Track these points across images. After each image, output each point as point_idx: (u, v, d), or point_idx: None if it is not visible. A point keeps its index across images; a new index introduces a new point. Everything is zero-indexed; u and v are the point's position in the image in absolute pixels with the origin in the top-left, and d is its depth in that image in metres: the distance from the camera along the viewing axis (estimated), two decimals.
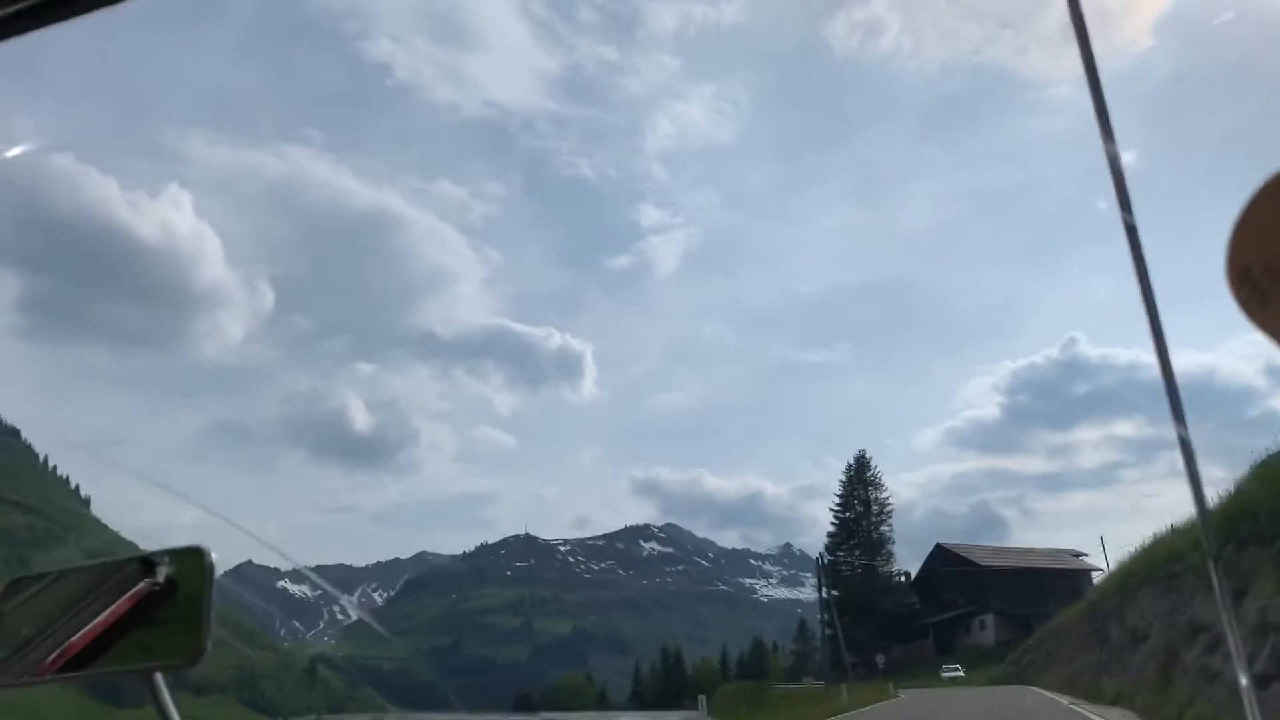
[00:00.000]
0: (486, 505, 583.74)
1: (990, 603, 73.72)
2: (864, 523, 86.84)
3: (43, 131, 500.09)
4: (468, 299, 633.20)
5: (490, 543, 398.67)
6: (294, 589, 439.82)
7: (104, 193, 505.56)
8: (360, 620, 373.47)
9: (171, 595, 1.87)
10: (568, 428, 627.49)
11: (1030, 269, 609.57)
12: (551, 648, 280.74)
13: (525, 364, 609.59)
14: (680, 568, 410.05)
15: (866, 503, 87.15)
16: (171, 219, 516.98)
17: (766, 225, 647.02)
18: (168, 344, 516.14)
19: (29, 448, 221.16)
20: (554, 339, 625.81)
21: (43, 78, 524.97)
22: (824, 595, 69.73)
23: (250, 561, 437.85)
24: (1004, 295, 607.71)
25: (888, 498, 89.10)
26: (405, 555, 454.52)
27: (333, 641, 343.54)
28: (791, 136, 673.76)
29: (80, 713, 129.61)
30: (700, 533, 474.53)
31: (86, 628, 1.88)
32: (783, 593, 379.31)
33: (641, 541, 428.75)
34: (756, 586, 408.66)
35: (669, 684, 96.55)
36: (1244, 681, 1.32)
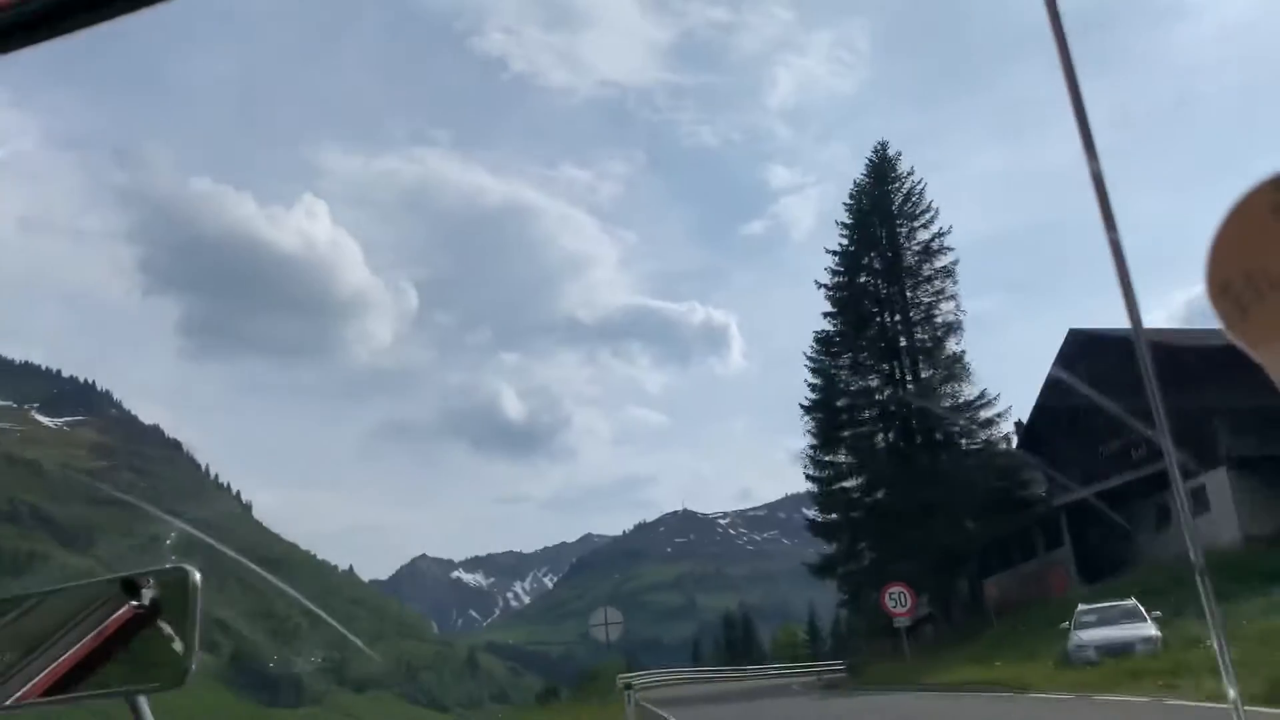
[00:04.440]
0: (645, 485, 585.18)
1: (1222, 446, 31.39)
2: (893, 307, 45.18)
3: (182, 159, 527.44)
4: (606, 281, 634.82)
5: (648, 521, 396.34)
6: (468, 578, 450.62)
7: (244, 210, 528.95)
8: (531, 606, 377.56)
9: (156, 617, 1.84)
10: (719, 401, 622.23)
11: (1198, 191, 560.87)
12: (717, 624, 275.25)
13: (671, 341, 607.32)
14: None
15: (895, 257, 45.05)
16: (311, 230, 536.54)
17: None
18: (323, 352, 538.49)
19: (191, 459, 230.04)
20: (697, 313, 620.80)
21: (175, 105, 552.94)
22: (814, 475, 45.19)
23: (424, 555, 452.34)
24: (1173, 223, 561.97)
25: (942, 241, 45.20)
26: (571, 539, 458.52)
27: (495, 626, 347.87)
28: (919, 80, 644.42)
29: (233, 713, 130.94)
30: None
31: (70, 652, 1.85)
32: None
33: (804, 509, 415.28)
34: None
35: None
36: (1232, 694, 1.33)
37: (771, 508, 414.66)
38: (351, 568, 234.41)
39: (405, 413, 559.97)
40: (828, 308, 45.86)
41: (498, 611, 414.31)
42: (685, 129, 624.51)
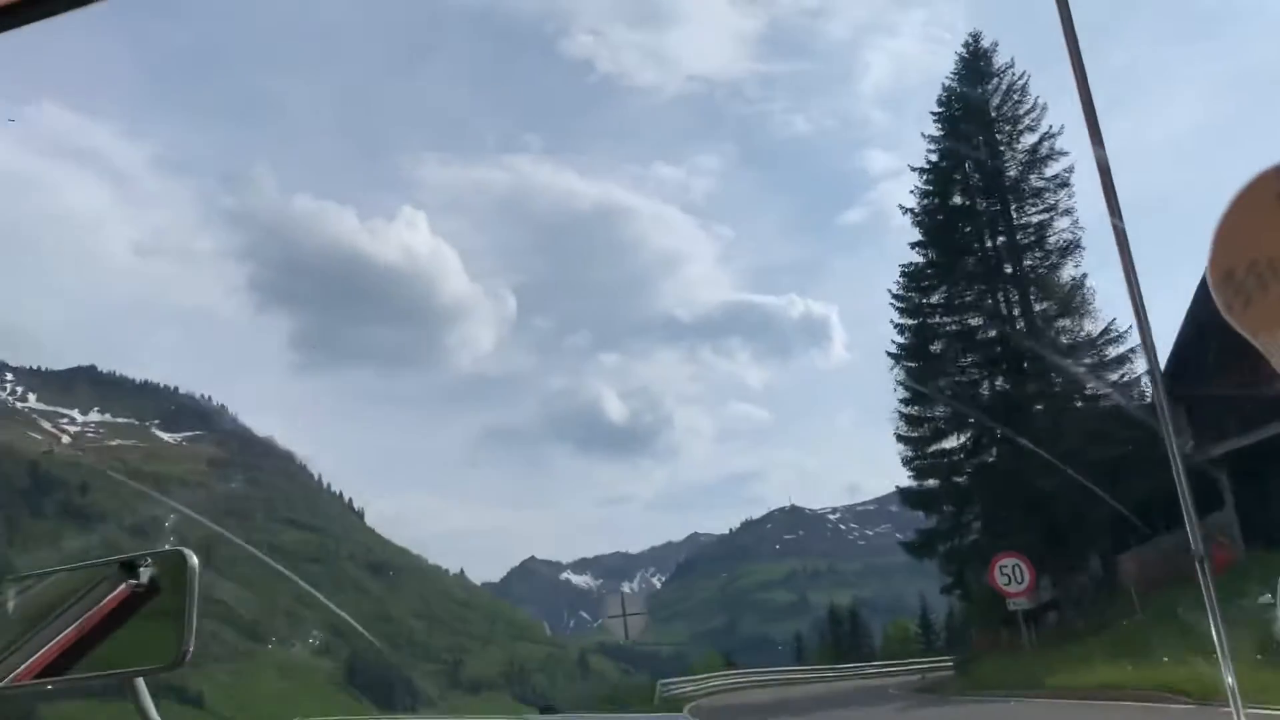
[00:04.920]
0: (750, 482, 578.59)
1: None
2: (995, 229, 38.42)
3: (285, 179, 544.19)
4: (703, 278, 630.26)
5: (755, 518, 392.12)
6: (577, 580, 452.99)
7: (345, 225, 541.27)
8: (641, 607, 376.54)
9: (154, 598, 1.83)
10: (823, 395, 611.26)
11: None
12: (830, 621, 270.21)
13: (771, 335, 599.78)
14: None
15: (995, 169, 38.14)
16: (410, 240, 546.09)
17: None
18: (427, 360, 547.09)
19: (304, 469, 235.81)
20: (796, 306, 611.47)
21: (276, 126, 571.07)
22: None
23: (534, 557, 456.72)
24: None
25: (1053, 145, 37.65)
26: (678, 538, 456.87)
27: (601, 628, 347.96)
28: (1018, 55, 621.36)
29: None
30: None
31: (66, 632, 1.84)
32: None
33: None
34: None
35: None
36: (1230, 681, 1.32)
37: (881, 502, 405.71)
38: (462, 571, 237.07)
39: (508, 417, 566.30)
40: (915, 236, 38.72)
41: (608, 614, 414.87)
42: (778, 119, 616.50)
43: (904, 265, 38.79)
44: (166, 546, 1.89)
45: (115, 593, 1.81)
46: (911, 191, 39.19)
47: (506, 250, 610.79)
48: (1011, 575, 27.80)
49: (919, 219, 38.72)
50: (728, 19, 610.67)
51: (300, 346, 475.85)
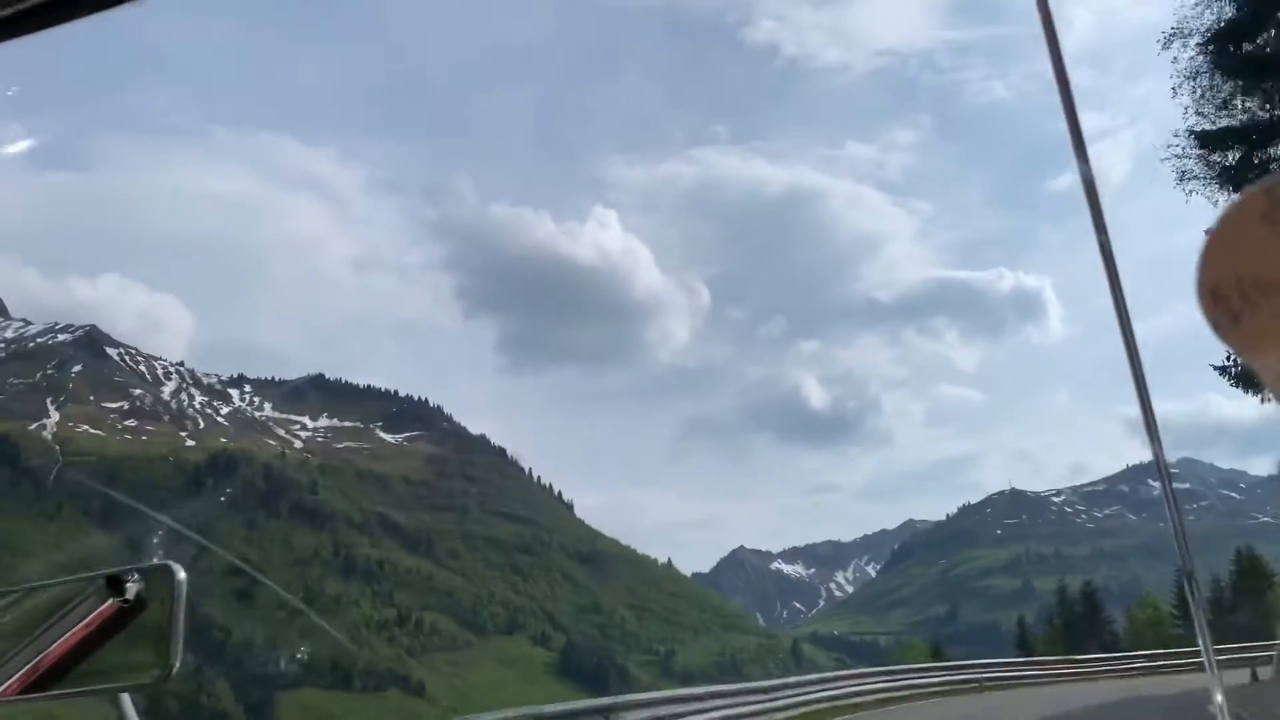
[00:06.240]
0: (966, 466, 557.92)
1: None
2: None
3: (483, 189, 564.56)
4: (903, 257, 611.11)
5: (973, 503, 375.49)
6: (788, 569, 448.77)
7: (542, 230, 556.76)
8: (854, 595, 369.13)
9: (141, 612, 1.82)
10: (1039, 373, 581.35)
11: None
12: (1059, 606, 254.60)
13: (979, 313, 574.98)
14: (1204, 503, 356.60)
15: None
16: (604, 240, 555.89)
17: None
18: (627, 356, 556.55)
19: (515, 464, 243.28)
20: (1005, 280, 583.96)
21: (471, 138, 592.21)
22: None
23: (743, 547, 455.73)
24: None
25: None
26: (891, 525, 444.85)
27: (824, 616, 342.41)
28: None
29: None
30: (1224, 464, 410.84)
31: (51, 647, 1.83)
32: None
33: (1150, 480, 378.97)
34: None
35: None
36: (1219, 699, 1.33)
37: (1110, 481, 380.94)
38: (670, 561, 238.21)
39: (709, 409, 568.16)
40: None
41: (821, 602, 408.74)
42: (974, 87, 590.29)
43: None
44: (154, 561, 1.89)
45: (102, 607, 1.81)
46: None
47: (698, 243, 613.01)
48: None
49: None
50: None
51: (507, 348, 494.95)
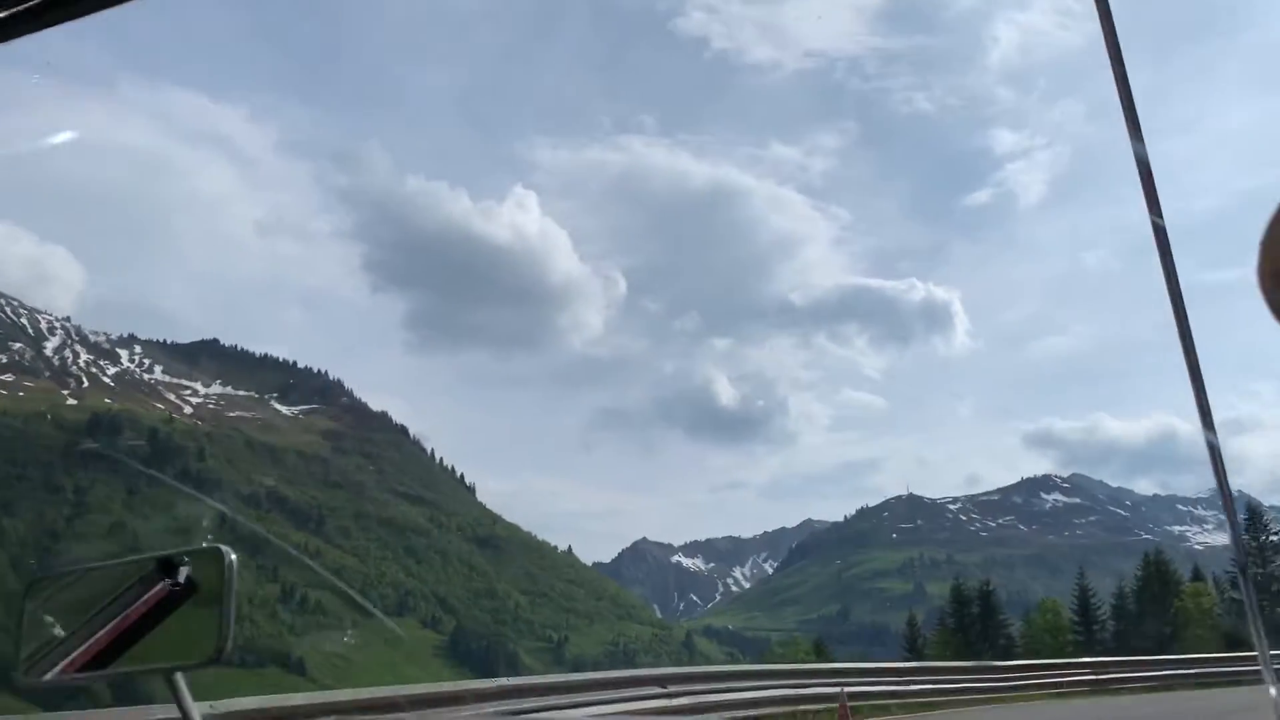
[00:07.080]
0: (866, 470, 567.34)
1: None
2: None
3: (399, 160, 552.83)
4: (819, 261, 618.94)
5: (871, 505, 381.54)
6: (688, 563, 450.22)
7: (458, 206, 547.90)
8: (750, 591, 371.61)
9: (192, 595, 1.88)
10: (943, 384, 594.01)
11: None
12: (952, 607, 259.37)
13: (889, 321, 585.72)
14: (1092, 519, 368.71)
15: None
16: (522, 222, 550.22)
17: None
18: (539, 342, 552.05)
19: (417, 443, 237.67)
20: (916, 290, 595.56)
21: (389, 108, 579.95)
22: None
23: (645, 539, 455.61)
24: None
25: None
26: (791, 524, 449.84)
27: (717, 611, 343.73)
28: (1162, 28, 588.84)
29: None
30: (1113, 482, 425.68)
31: (108, 627, 1.90)
32: (1222, 539, 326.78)
33: (1043, 494, 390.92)
34: (1189, 534, 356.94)
35: None
36: (1273, 693, 1.33)
37: (1005, 492, 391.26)
38: (570, 548, 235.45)
39: (620, 400, 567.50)
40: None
41: (718, 596, 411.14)
42: (899, 96, 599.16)
43: None
44: (204, 544, 1.93)
45: (155, 589, 1.87)
46: None
47: (618, 232, 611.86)
48: None
49: None
50: None
51: (414, 326, 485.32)
